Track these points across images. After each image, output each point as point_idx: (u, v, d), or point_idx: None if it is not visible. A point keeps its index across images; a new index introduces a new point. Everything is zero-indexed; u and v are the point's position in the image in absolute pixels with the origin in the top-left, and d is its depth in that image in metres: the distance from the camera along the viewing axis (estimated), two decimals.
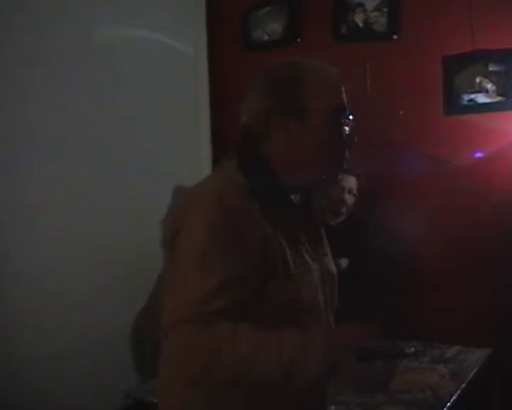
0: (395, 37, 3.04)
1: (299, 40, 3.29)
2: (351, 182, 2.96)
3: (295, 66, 1.37)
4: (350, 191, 2.94)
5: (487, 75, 2.82)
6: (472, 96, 2.86)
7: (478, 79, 2.84)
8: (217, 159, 3.45)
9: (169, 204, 2.96)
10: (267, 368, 1.19)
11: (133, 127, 2.96)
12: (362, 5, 3.11)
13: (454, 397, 2.03)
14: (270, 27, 3.37)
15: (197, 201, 1.29)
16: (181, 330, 1.20)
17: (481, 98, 2.84)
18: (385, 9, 3.05)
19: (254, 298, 1.24)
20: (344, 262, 2.69)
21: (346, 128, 1.37)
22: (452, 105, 2.90)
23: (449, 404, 1.99)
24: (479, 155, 2.86)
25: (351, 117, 1.38)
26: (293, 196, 1.40)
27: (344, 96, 1.38)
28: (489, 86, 2.82)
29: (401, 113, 3.00)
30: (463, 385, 2.12)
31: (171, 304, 1.26)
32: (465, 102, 2.88)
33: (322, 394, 1.45)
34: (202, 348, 1.19)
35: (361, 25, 3.12)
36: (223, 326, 1.19)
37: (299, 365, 1.18)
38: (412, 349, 2.41)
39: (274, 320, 1.26)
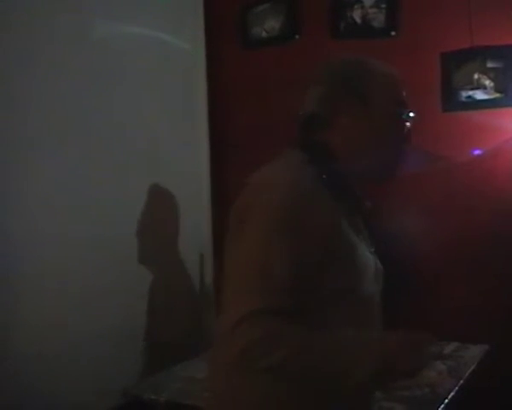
0: (393, 33, 3.03)
1: (297, 37, 3.28)
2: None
3: (361, 61, 1.47)
4: None
5: (485, 72, 2.82)
6: (470, 92, 2.85)
7: (476, 76, 2.84)
8: (214, 155, 3.46)
9: (145, 201, 2.97)
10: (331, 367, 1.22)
11: (131, 125, 2.95)
12: (360, 2, 3.10)
13: (452, 394, 2.03)
14: (268, 24, 3.36)
15: (268, 189, 1.31)
16: (256, 321, 1.19)
17: (480, 95, 2.83)
18: (383, 6, 3.05)
19: (319, 285, 1.27)
20: None
21: (407, 124, 1.47)
22: (450, 102, 2.90)
23: (447, 401, 1.99)
24: (477, 151, 2.85)
25: (411, 114, 1.48)
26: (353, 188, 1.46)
27: (404, 94, 1.49)
28: (487, 83, 2.82)
29: None
30: (461, 382, 2.13)
31: (236, 294, 1.25)
32: (463, 99, 2.87)
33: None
34: (280, 342, 1.19)
35: (359, 21, 3.11)
36: (296, 325, 1.20)
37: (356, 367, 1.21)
38: None
39: (332, 310, 1.29)
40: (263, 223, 1.26)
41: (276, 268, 1.21)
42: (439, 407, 1.96)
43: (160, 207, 3.11)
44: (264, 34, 3.38)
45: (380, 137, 1.42)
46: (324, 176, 1.34)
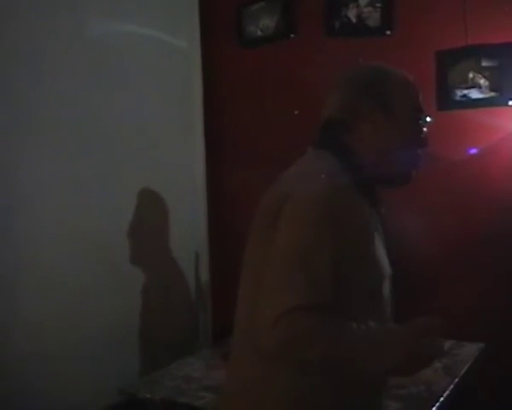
0: (388, 32, 3.03)
1: (292, 36, 3.28)
2: None
3: (380, 67, 1.54)
4: None
5: (480, 71, 2.82)
6: (465, 91, 2.86)
7: (471, 75, 2.84)
8: (210, 154, 3.45)
9: (135, 205, 2.96)
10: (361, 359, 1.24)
11: (127, 123, 2.95)
12: (355, 0, 3.10)
13: (447, 392, 2.04)
14: (264, 23, 3.36)
15: (311, 175, 1.37)
16: (298, 316, 1.21)
17: (474, 94, 2.83)
18: (378, 4, 3.05)
19: (352, 285, 1.31)
20: None
21: (424, 129, 1.53)
22: (446, 100, 2.90)
23: (442, 398, 2.00)
24: (472, 150, 2.86)
25: (429, 119, 1.54)
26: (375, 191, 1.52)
27: (421, 100, 1.53)
28: (482, 82, 2.82)
29: None
30: (457, 379, 2.13)
31: (281, 286, 1.25)
32: (458, 98, 2.87)
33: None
34: (320, 337, 1.22)
35: (354, 20, 3.12)
36: (332, 320, 1.23)
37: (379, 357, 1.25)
38: None
39: (360, 310, 1.33)
40: (305, 216, 1.29)
41: (319, 264, 1.24)
42: (434, 404, 1.96)
43: (150, 209, 3.10)
44: (259, 33, 3.38)
45: (399, 142, 1.47)
46: (355, 176, 1.39)
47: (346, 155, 1.44)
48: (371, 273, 1.37)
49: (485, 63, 2.81)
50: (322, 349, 1.21)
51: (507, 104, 2.76)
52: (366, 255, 1.35)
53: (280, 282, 1.26)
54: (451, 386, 2.08)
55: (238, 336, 1.46)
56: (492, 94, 2.79)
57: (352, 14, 3.12)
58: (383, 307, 1.44)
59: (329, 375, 1.33)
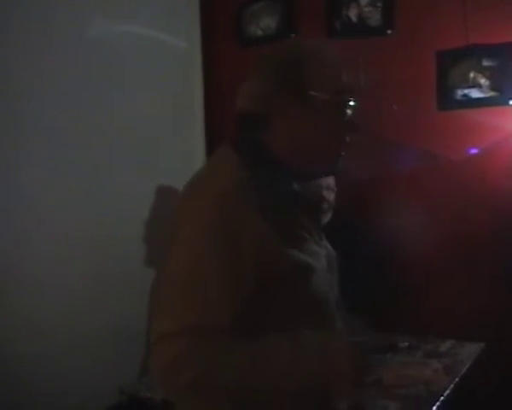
0: (389, 32, 3.04)
1: (292, 35, 3.28)
2: (328, 178, 2.98)
3: (295, 48, 1.35)
4: (328, 187, 2.97)
5: (481, 70, 2.82)
6: (466, 91, 2.85)
7: (472, 74, 2.84)
8: (210, 153, 3.45)
9: (153, 202, 2.96)
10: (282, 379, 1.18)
11: (127, 122, 2.95)
12: (356, 0, 3.10)
13: (447, 391, 2.03)
14: (264, 22, 3.36)
15: (198, 199, 1.25)
16: (174, 342, 1.15)
17: (475, 93, 2.83)
18: (379, 4, 3.05)
19: (259, 300, 1.21)
20: None
21: (349, 112, 1.33)
22: (446, 100, 2.90)
23: (442, 398, 1.99)
24: (473, 150, 2.86)
25: (354, 101, 1.33)
26: (295, 183, 1.36)
27: (347, 78, 1.33)
28: (483, 81, 2.82)
29: (395, 108, 3.00)
30: (457, 379, 2.12)
31: (165, 312, 1.20)
32: (459, 98, 2.87)
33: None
34: (202, 361, 1.14)
35: (355, 20, 3.11)
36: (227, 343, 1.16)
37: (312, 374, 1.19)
38: (405, 344, 2.41)
39: (285, 316, 1.24)
40: (193, 238, 1.20)
41: (208, 284, 1.16)
42: (434, 404, 1.95)
43: (152, 209, 3.09)
44: (259, 32, 3.38)
45: (320, 132, 1.31)
46: (257, 180, 1.24)
47: (254, 155, 1.29)
48: (290, 273, 1.24)
49: (485, 63, 2.81)
50: (194, 374, 1.13)
51: (507, 104, 2.76)
52: (276, 265, 1.22)
53: (160, 306, 1.21)
54: (451, 386, 2.07)
55: None
56: (493, 93, 2.79)
57: (352, 13, 3.12)
58: (318, 305, 1.32)
59: None
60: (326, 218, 3.02)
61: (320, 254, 1.35)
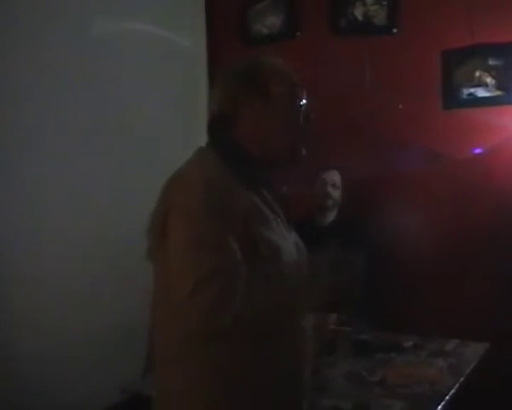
0: (394, 30, 3.03)
1: (298, 34, 3.28)
2: (333, 175, 2.99)
3: (253, 58, 1.55)
4: (333, 185, 2.98)
5: (487, 69, 2.81)
6: (471, 90, 2.85)
7: (477, 73, 2.84)
8: None
9: (155, 202, 2.96)
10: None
11: (131, 121, 2.95)
12: None
13: (452, 391, 2.02)
14: (270, 21, 3.36)
15: (184, 184, 1.39)
16: (212, 282, 1.27)
17: (481, 92, 2.83)
18: (384, 3, 3.05)
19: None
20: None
21: (303, 104, 1.52)
22: (452, 99, 2.89)
23: (447, 398, 1.98)
24: (478, 149, 2.85)
25: (307, 98, 1.53)
26: (264, 173, 1.52)
27: (297, 77, 1.54)
28: (488, 80, 2.81)
29: (400, 107, 3.00)
30: (462, 379, 2.11)
31: (183, 265, 1.31)
32: (465, 97, 2.87)
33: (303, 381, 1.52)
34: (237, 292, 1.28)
35: (360, 18, 3.11)
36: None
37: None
38: (410, 343, 2.40)
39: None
40: (188, 217, 1.33)
41: (211, 241, 1.30)
42: (439, 404, 1.94)
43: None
44: (265, 31, 3.38)
45: (281, 124, 1.49)
46: (233, 171, 1.41)
47: (227, 150, 1.46)
48: (264, 255, 1.38)
49: (491, 62, 2.80)
50: (243, 303, 1.28)
51: None
52: (254, 237, 1.37)
53: (180, 272, 1.32)
54: (456, 385, 2.06)
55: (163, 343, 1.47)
56: (499, 93, 2.79)
57: (358, 12, 3.11)
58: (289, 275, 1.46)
59: (258, 343, 1.37)
60: (331, 215, 3.02)
61: (288, 239, 1.49)
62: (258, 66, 1.51)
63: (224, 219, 1.33)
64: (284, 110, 1.49)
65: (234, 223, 1.34)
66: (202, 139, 3.45)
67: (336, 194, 2.99)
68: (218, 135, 1.51)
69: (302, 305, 1.46)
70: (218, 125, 1.51)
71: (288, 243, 1.48)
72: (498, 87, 2.79)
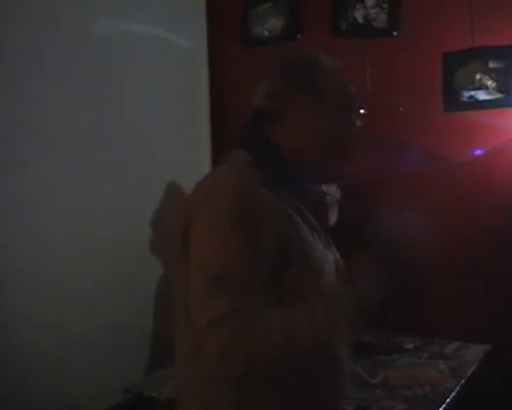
0: (395, 33, 3.03)
1: (299, 36, 3.28)
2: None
3: (310, 53, 1.42)
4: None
5: (487, 72, 2.82)
6: (472, 92, 2.85)
7: (478, 76, 2.84)
8: (216, 154, 3.45)
9: (161, 199, 2.96)
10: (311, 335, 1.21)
11: (132, 122, 2.95)
12: (362, 1, 3.10)
13: (453, 393, 2.03)
14: (270, 23, 3.37)
15: (211, 193, 1.26)
16: (224, 326, 1.16)
17: (481, 95, 2.83)
18: (385, 6, 3.05)
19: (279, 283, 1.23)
20: None
21: (357, 121, 1.40)
22: (452, 102, 2.90)
23: (448, 400, 1.99)
24: (479, 151, 2.86)
25: (362, 111, 1.41)
26: (304, 186, 1.40)
27: (353, 88, 1.41)
28: (489, 83, 2.82)
29: (401, 109, 3.00)
30: (463, 381, 2.12)
31: (200, 302, 1.20)
32: (465, 99, 2.87)
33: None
34: (255, 338, 1.16)
35: (361, 21, 3.11)
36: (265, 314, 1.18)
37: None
38: (411, 345, 2.41)
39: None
40: (213, 225, 1.21)
41: (234, 269, 1.17)
42: (440, 406, 1.95)
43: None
44: (266, 33, 3.38)
45: (331, 131, 1.35)
46: (267, 178, 1.28)
47: (264, 155, 1.33)
48: (301, 269, 1.26)
49: (492, 64, 2.81)
50: (254, 350, 1.15)
51: None
52: (291, 252, 1.24)
53: (199, 299, 1.20)
54: (458, 388, 2.07)
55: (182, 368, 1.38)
56: (499, 95, 2.79)
57: (358, 14, 3.12)
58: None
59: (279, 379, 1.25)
60: (333, 216, 3.01)
61: (329, 257, 1.38)
62: (315, 63, 1.38)
63: (251, 237, 1.19)
64: (334, 120, 1.35)
65: (264, 242, 1.20)
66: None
67: (332, 190, 2.96)
68: (255, 136, 1.38)
69: (339, 330, 1.30)
70: (259, 123, 1.38)
71: (329, 262, 1.36)
72: (499, 90, 2.79)
